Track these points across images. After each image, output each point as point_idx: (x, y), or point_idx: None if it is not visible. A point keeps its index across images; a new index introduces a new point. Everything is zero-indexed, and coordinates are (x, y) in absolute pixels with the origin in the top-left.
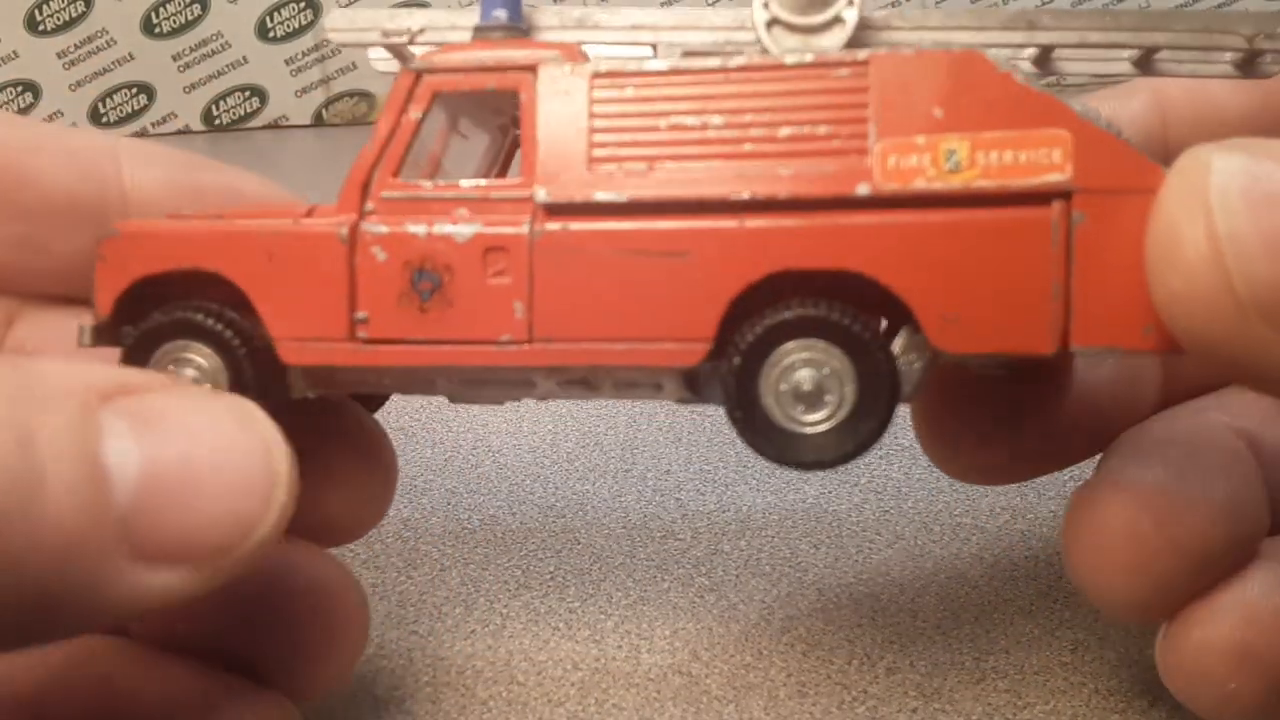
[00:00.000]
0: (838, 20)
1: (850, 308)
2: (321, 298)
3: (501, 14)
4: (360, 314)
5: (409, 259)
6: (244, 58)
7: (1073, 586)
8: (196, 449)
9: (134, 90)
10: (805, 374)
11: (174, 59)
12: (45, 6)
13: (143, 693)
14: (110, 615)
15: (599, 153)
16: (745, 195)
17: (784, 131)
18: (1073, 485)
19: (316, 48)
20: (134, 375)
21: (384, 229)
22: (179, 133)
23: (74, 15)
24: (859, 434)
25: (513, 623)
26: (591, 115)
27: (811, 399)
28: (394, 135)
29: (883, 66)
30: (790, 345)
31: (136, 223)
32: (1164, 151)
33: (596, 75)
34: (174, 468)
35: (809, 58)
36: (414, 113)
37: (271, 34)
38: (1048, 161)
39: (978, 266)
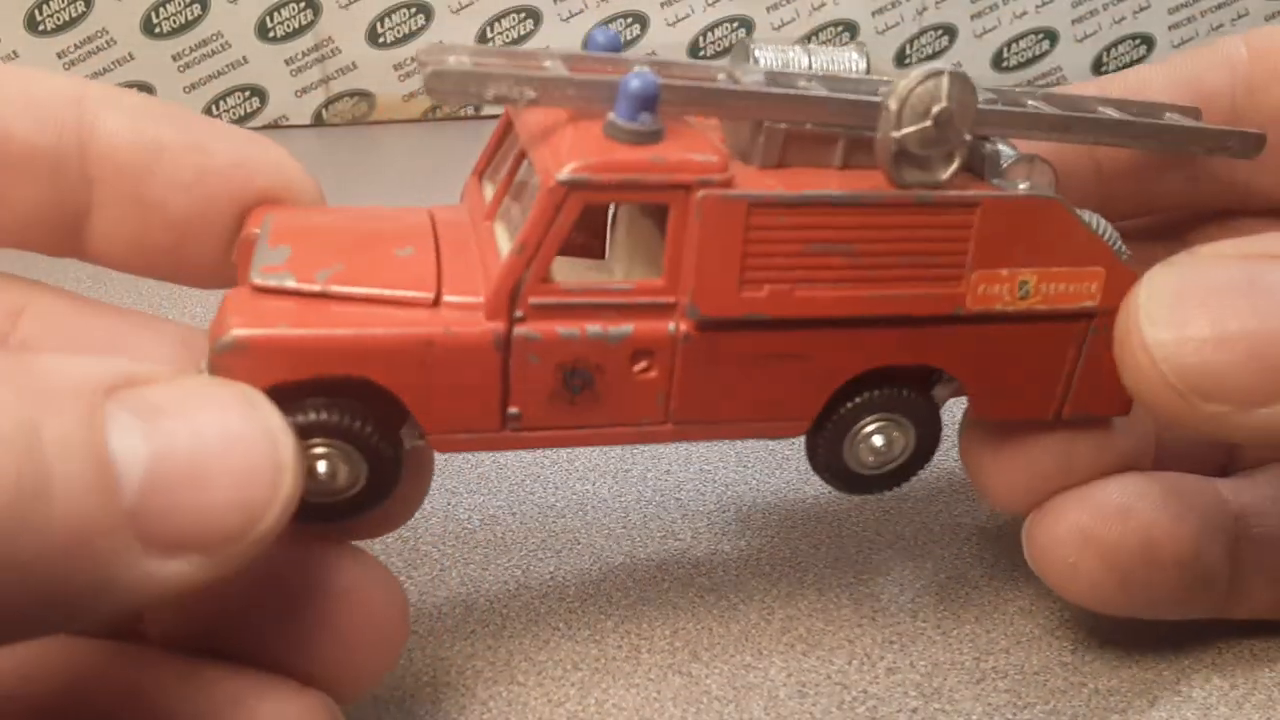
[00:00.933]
0: (951, 156)
1: (913, 387)
2: (475, 398)
3: (646, 118)
4: (513, 410)
5: (562, 361)
6: (244, 58)
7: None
8: (202, 440)
9: (134, 90)
10: (880, 439)
11: (174, 59)
12: (45, 6)
13: (174, 699)
14: (124, 605)
15: (749, 275)
16: (866, 315)
17: (903, 260)
18: None
19: (316, 47)
20: (138, 367)
21: (537, 335)
22: None
23: (74, 15)
24: (908, 472)
25: (513, 623)
26: (745, 241)
27: (879, 453)
28: (543, 245)
29: (989, 211)
30: (870, 418)
31: (261, 335)
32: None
33: (752, 205)
34: (181, 459)
35: (933, 197)
36: (565, 223)
37: (271, 34)
38: (1086, 292)
39: (1018, 361)
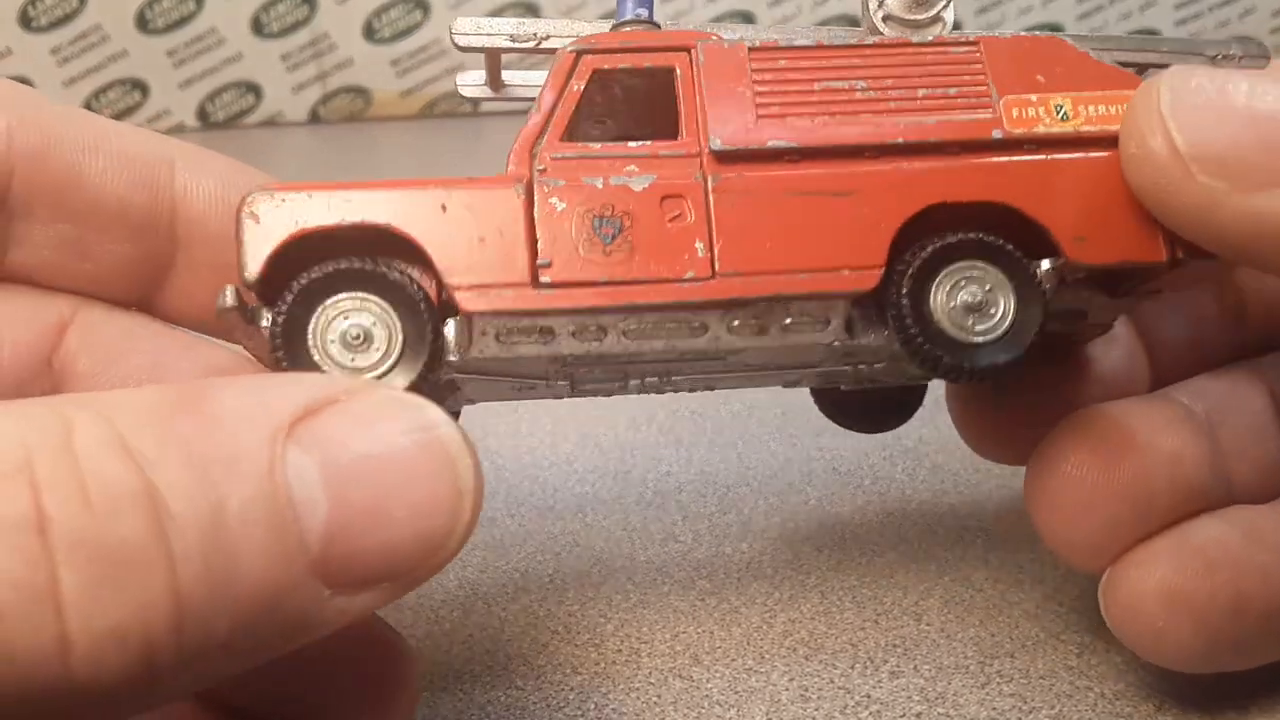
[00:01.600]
0: (939, 19)
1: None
2: (502, 246)
3: (643, 11)
4: (544, 259)
5: (589, 207)
6: (239, 54)
7: (1079, 591)
8: (382, 478)
9: (128, 87)
10: (971, 289)
11: (168, 55)
12: (39, 3)
13: None
14: (314, 638)
15: (764, 110)
16: (900, 140)
17: (921, 92)
18: None
19: (312, 43)
20: (316, 389)
21: (561, 182)
22: (173, 130)
23: (67, 11)
24: (1022, 339)
25: (511, 626)
26: (753, 82)
27: (978, 311)
28: (559, 105)
29: (990, 45)
30: (954, 266)
31: (287, 184)
32: None
33: (752, 49)
34: (361, 504)
35: (930, 37)
36: (576, 85)
37: (266, 30)
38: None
39: (1096, 195)
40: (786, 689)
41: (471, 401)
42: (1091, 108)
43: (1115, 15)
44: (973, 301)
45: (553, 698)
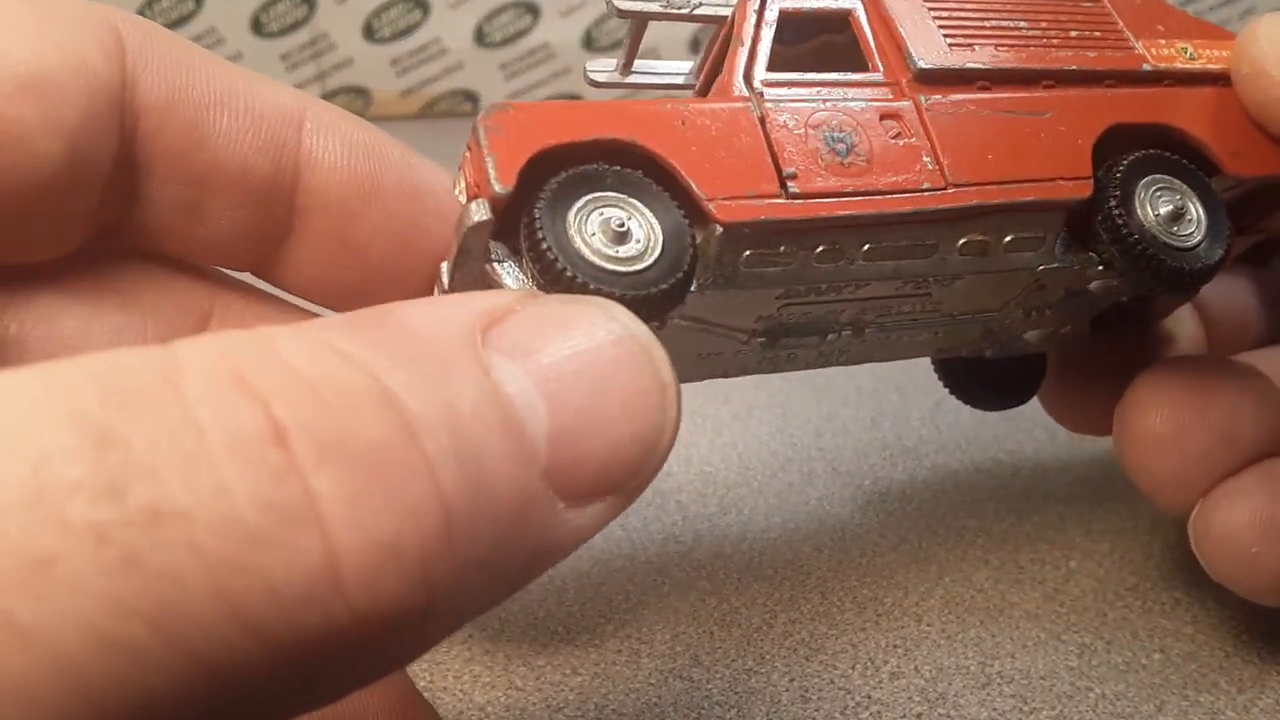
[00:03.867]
0: None
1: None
2: (746, 159)
3: None
4: (789, 170)
5: (815, 122)
6: (238, 53)
7: (1079, 591)
8: (590, 377)
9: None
10: (1167, 199)
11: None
12: None
13: None
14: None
15: (950, 40)
16: (1074, 67)
17: (1073, 32)
18: (1079, 488)
19: (312, 43)
20: (487, 300)
21: (784, 101)
22: None
23: None
24: (1222, 241)
25: (510, 626)
26: (934, 18)
27: (1180, 218)
28: (758, 37)
29: (1113, 1)
30: (1147, 179)
31: (525, 104)
32: None
33: None
34: (577, 404)
35: None
36: (768, 21)
37: (266, 29)
38: None
39: (1233, 120)
40: (787, 690)
41: None
42: (1210, 51)
43: None
44: (1173, 209)
45: (553, 698)
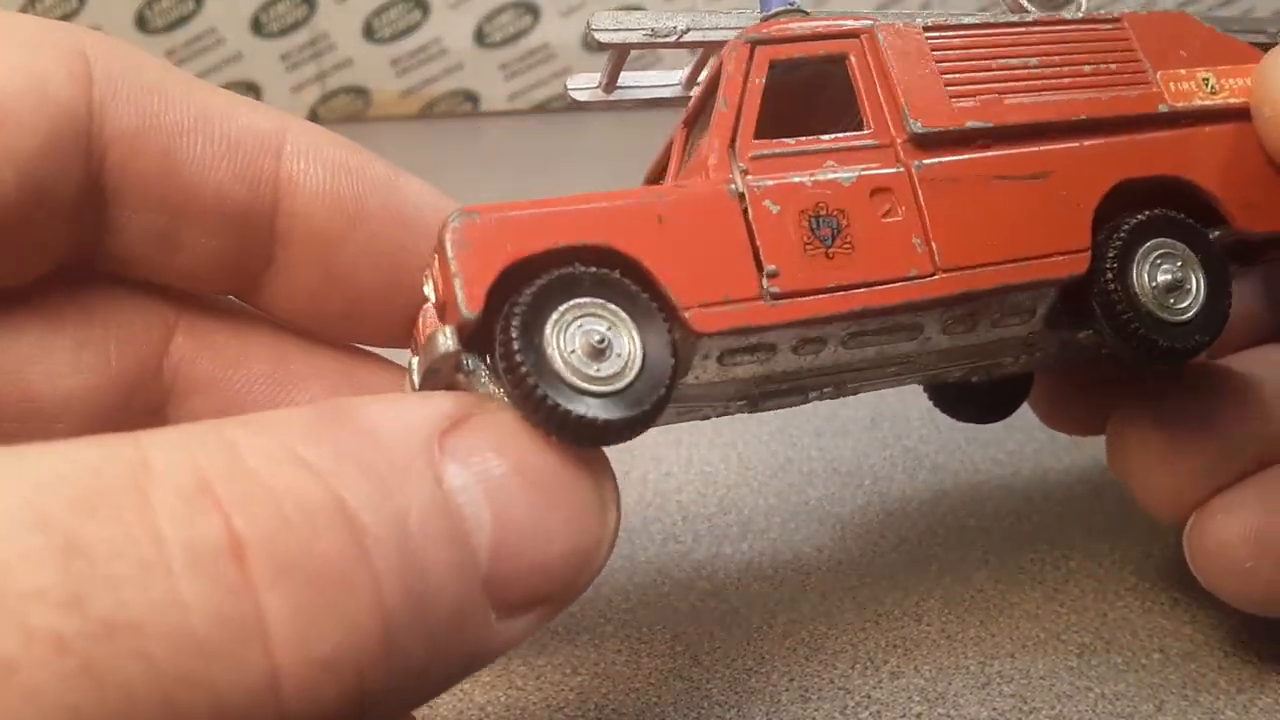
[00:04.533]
0: (1072, 2)
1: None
2: (726, 257)
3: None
4: (770, 267)
5: (803, 208)
6: (238, 53)
7: (1079, 591)
8: (540, 495)
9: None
10: (1167, 267)
11: (168, 55)
12: (38, 4)
13: None
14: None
15: (952, 90)
16: (1083, 116)
17: (1087, 68)
18: (1079, 488)
19: (312, 43)
20: (450, 403)
21: (769, 182)
22: None
23: (67, 12)
24: (1220, 313)
25: None
26: (936, 61)
27: (1178, 289)
28: (744, 101)
29: (1134, 22)
30: (1148, 244)
31: (493, 206)
32: None
33: (927, 29)
34: (521, 519)
35: (1081, 14)
36: (757, 79)
37: (266, 30)
38: None
39: (1250, 163)
40: (787, 689)
41: None
42: (1230, 80)
43: None
44: (1171, 280)
45: (552, 698)
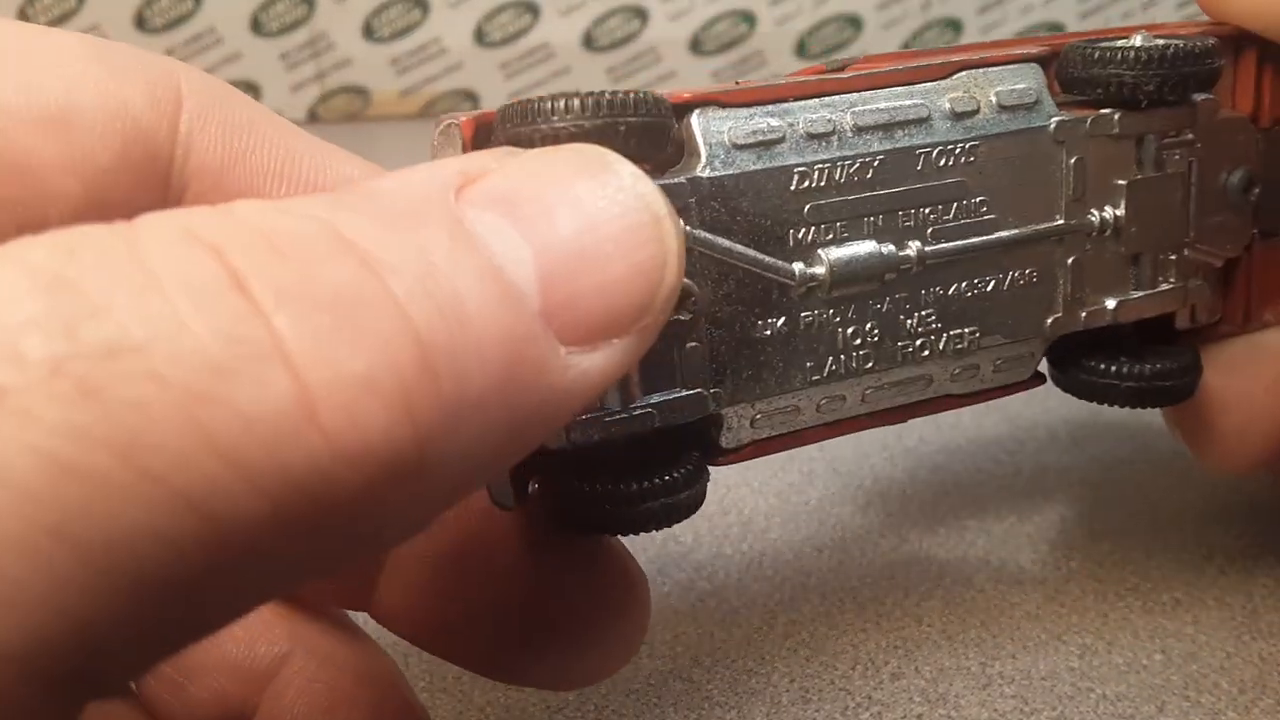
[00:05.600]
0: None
1: None
2: None
3: None
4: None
5: None
6: (238, 53)
7: (1080, 592)
8: (580, 219)
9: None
10: None
11: (167, 54)
12: (37, 3)
13: None
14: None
15: None
16: None
17: None
18: (1080, 489)
19: (311, 42)
20: (463, 161)
21: None
22: None
23: (65, 11)
24: None
25: None
26: None
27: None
28: None
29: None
30: None
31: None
32: None
33: None
34: (564, 245)
35: None
36: None
37: (265, 29)
38: None
39: None
40: (787, 690)
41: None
42: None
43: (1117, 14)
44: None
45: (553, 698)
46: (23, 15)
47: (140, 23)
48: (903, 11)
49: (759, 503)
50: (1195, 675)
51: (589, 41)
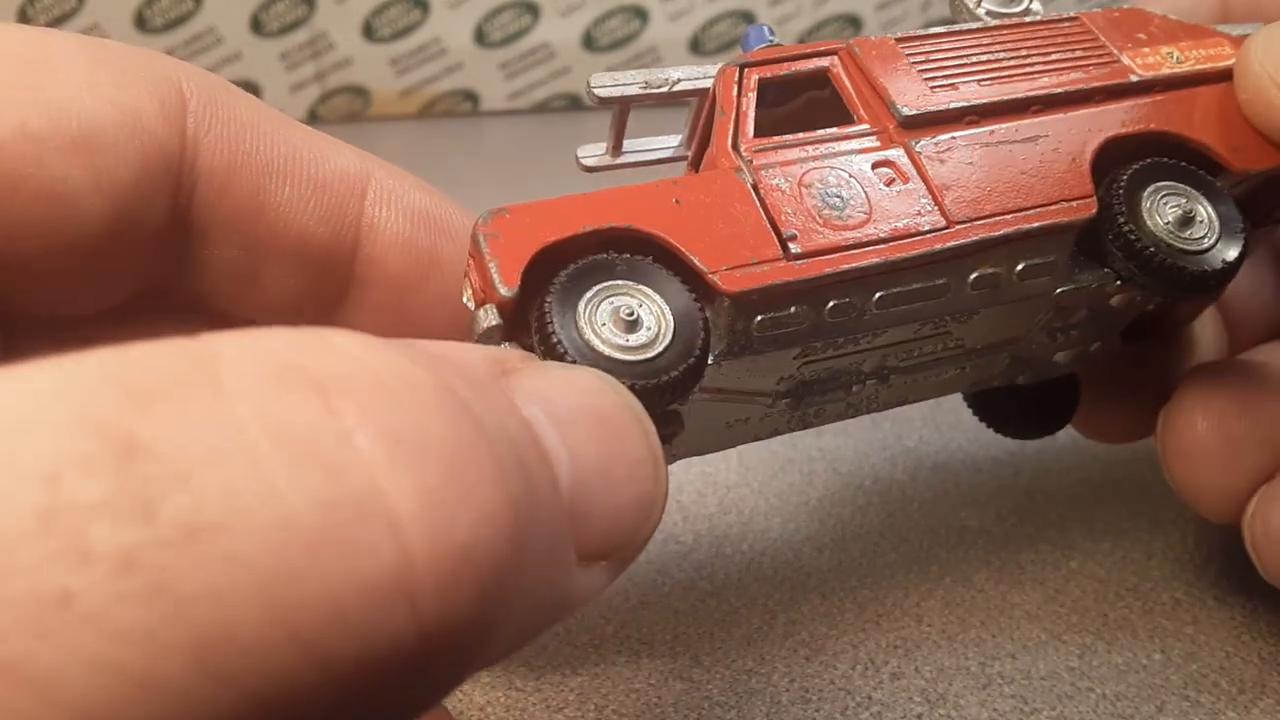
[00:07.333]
0: (1029, 10)
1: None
2: (744, 229)
3: (774, 39)
4: (789, 231)
5: (810, 182)
6: (237, 53)
7: (1080, 592)
8: (604, 439)
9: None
10: (1173, 204)
11: (167, 54)
12: (37, 3)
13: None
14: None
15: (933, 83)
16: (1060, 90)
17: (1054, 55)
18: (1080, 489)
19: (311, 42)
20: (495, 351)
21: (774, 165)
22: None
23: (65, 11)
24: (1237, 238)
25: None
26: (913, 63)
27: (1189, 221)
28: (739, 110)
29: (1089, 17)
30: (1149, 188)
31: (522, 205)
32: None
33: (898, 40)
34: (595, 464)
35: (1038, 18)
36: (749, 93)
37: (265, 29)
38: (1224, 54)
39: (1228, 117)
40: (787, 690)
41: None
42: (1194, 51)
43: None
44: (1182, 214)
45: (552, 699)
46: (22, 15)
47: (140, 23)
48: (903, 11)
49: (759, 503)
50: (1195, 675)
51: (589, 42)
